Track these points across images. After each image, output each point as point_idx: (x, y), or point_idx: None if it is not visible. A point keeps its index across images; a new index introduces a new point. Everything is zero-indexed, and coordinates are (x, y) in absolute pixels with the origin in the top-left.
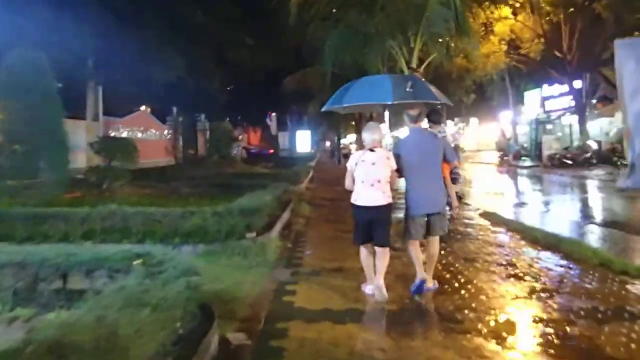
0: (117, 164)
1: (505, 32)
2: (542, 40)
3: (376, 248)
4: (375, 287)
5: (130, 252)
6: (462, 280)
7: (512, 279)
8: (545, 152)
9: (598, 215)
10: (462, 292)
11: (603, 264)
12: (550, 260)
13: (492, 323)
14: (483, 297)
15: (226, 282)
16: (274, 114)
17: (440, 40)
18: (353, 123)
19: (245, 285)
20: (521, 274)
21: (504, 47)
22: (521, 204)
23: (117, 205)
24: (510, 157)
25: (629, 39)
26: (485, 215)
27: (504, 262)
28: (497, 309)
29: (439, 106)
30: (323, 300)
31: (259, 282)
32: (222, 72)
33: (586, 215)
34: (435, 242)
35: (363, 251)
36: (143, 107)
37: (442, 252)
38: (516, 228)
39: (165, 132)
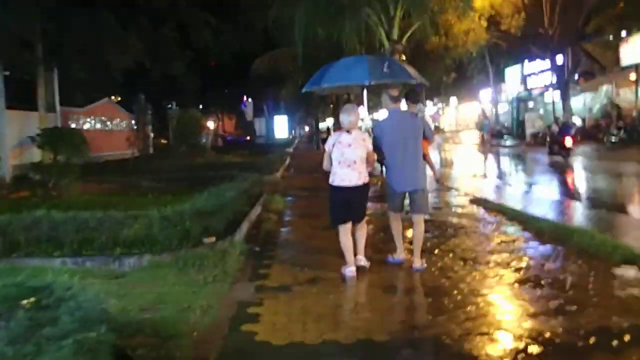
0: (63, 158)
1: (484, 8)
2: (523, 15)
3: (354, 224)
4: (358, 260)
5: (22, 285)
6: (466, 291)
7: (525, 287)
8: (528, 130)
9: (597, 197)
10: (468, 308)
11: (627, 260)
12: (563, 258)
13: (515, 354)
14: (496, 315)
15: (169, 309)
16: (249, 100)
17: (424, 6)
18: (331, 106)
19: (194, 311)
20: (534, 279)
21: (484, 24)
22: (510, 187)
23: (44, 211)
24: (487, 135)
25: None
26: (477, 201)
27: (511, 263)
28: (516, 332)
29: (417, 86)
30: (294, 329)
31: (213, 304)
32: (186, 55)
33: (584, 198)
34: (420, 222)
35: (342, 232)
36: (112, 97)
37: (437, 251)
38: (515, 217)
39: (133, 122)
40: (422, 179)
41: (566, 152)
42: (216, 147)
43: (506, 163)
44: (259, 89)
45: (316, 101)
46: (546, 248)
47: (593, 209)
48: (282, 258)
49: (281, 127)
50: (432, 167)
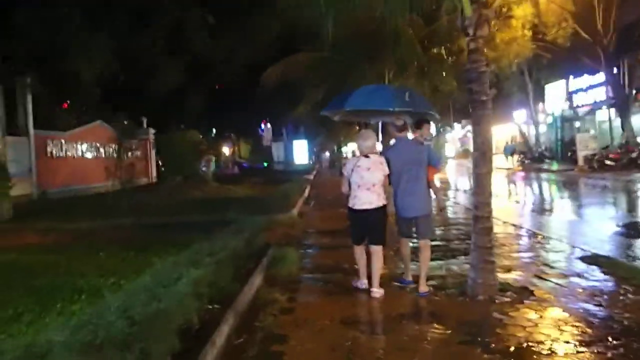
0: None
1: (527, 16)
2: (571, 22)
3: (371, 247)
4: (372, 293)
5: None
6: None
7: None
8: (581, 153)
9: None
10: None
11: None
12: None
13: None
14: None
15: None
16: (268, 124)
17: None
18: (357, 128)
19: None
20: None
21: (528, 33)
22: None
23: None
24: (510, 158)
25: None
26: (600, 263)
27: None
28: None
29: (430, 114)
30: None
31: None
32: (179, 65)
33: None
34: (425, 247)
35: (357, 250)
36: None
37: None
38: None
39: (133, 148)
40: (426, 205)
41: None
42: (231, 175)
43: (576, 193)
44: (276, 110)
45: (338, 125)
46: None
47: None
48: None
49: (300, 152)
50: (437, 194)
